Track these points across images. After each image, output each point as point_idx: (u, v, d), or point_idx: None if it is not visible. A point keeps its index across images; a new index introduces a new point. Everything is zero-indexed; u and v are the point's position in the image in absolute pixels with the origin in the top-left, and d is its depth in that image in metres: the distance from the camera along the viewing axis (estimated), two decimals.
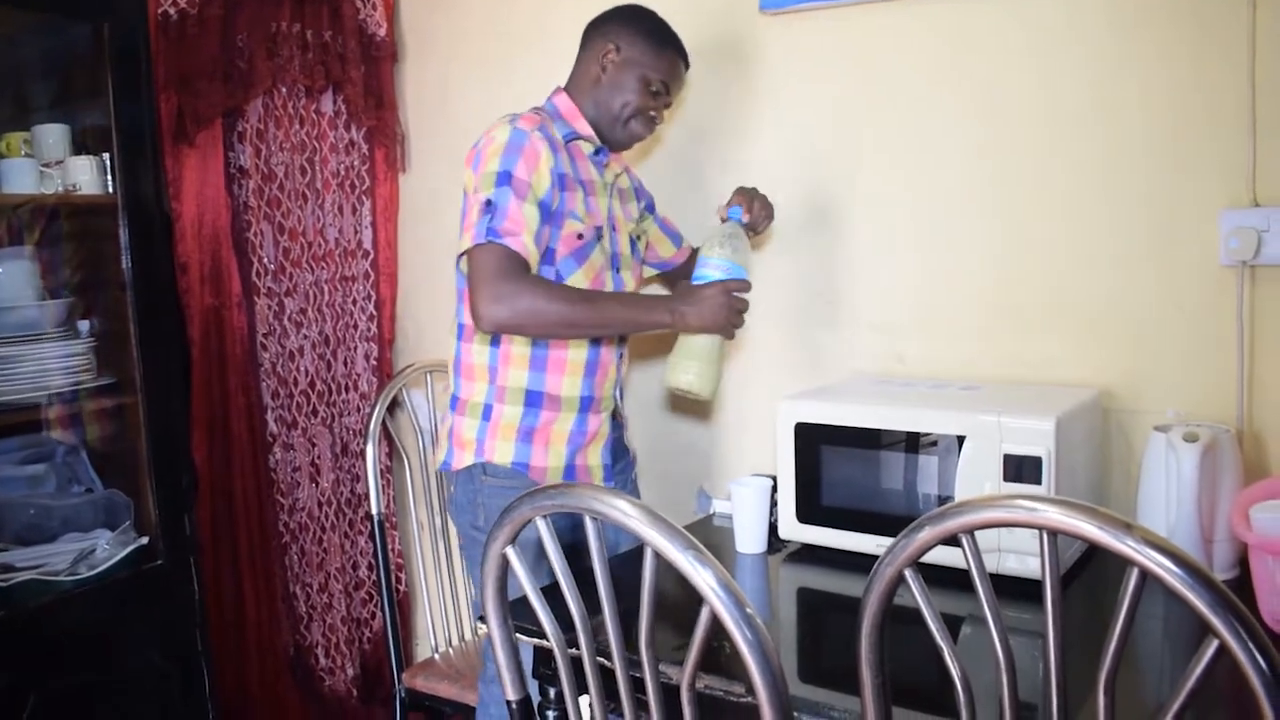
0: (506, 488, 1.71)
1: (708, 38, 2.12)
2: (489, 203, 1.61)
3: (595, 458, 1.81)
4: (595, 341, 1.77)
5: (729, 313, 1.67)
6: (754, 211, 1.80)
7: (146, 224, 2.05)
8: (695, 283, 1.70)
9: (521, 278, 1.59)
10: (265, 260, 2.40)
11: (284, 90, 2.39)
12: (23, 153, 2.03)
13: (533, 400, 1.74)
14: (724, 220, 1.79)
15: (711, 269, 1.70)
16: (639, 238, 1.92)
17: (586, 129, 1.77)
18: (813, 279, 2.05)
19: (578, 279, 1.72)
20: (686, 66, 1.83)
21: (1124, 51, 1.69)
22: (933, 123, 1.88)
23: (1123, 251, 1.72)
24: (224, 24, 2.25)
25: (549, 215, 1.66)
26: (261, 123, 2.37)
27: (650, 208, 2.00)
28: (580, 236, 1.72)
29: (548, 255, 1.70)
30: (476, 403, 1.76)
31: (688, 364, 1.70)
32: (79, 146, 2.10)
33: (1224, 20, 1.60)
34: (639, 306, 1.71)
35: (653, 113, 1.79)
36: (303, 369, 2.48)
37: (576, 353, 1.76)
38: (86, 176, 2.04)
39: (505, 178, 1.62)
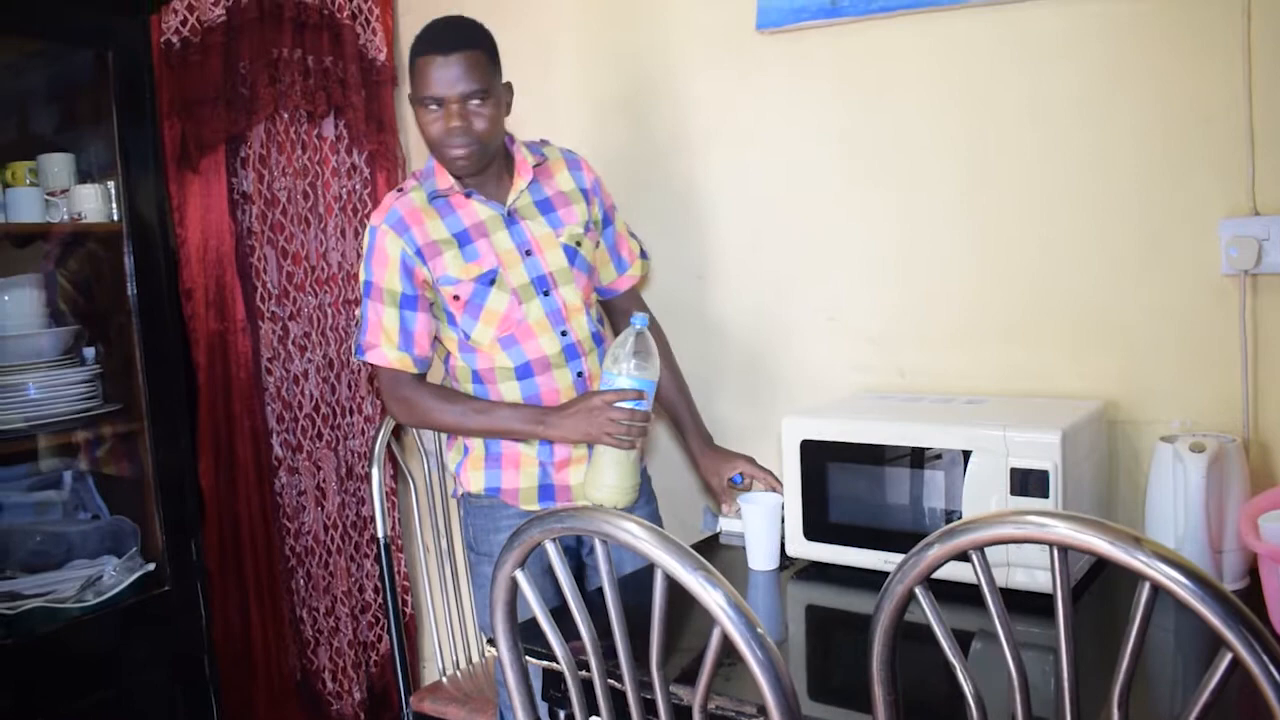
0: (484, 507, 1.84)
1: (704, 57, 2.13)
2: (359, 315, 1.78)
3: (577, 478, 1.81)
4: (540, 372, 1.77)
5: (605, 423, 1.64)
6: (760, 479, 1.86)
7: (151, 250, 2.06)
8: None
9: (397, 390, 1.78)
10: (269, 285, 2.41)
11: (286, 115, 2.40)
12: (28, 182, 2.05)
13: None
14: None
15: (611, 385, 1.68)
16: (580, 244, 1.81)
17: (447, 181, 1.74)
18: (812, 294, 2.05)
19: (482, 331, 1.75)
20: (445, 50, 1.65)
21: (1120, 61, 1.70)
22: (930, 136, 1.89)
23: (1124, 262, 1.73)
24: (226, 51, 2.27)
25: (415, 302, 1.74)
26: (264, 148, 2.39)
27: (606, 219, 1.89)
28: (457, 298, 1.73)
29: (450, 318, 1.77)
30: (457, 438, 1.86)
31: (599, 481, 1.70)
32: (84, 174, 2.11)
33: (1219, 30, 1.61)
34: (517, 417, 1.73)
35: (454, 124, 1.65)
36: (307, 393, 2.49)
37: (511, 391, 1.78)
38: (91, 204, 2.05)
39: (367, 287, 1.76)
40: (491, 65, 1.69)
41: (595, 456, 1.72)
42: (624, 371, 1.66)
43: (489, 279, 1.74)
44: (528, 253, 1.76)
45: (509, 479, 1.81)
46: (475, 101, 1.66)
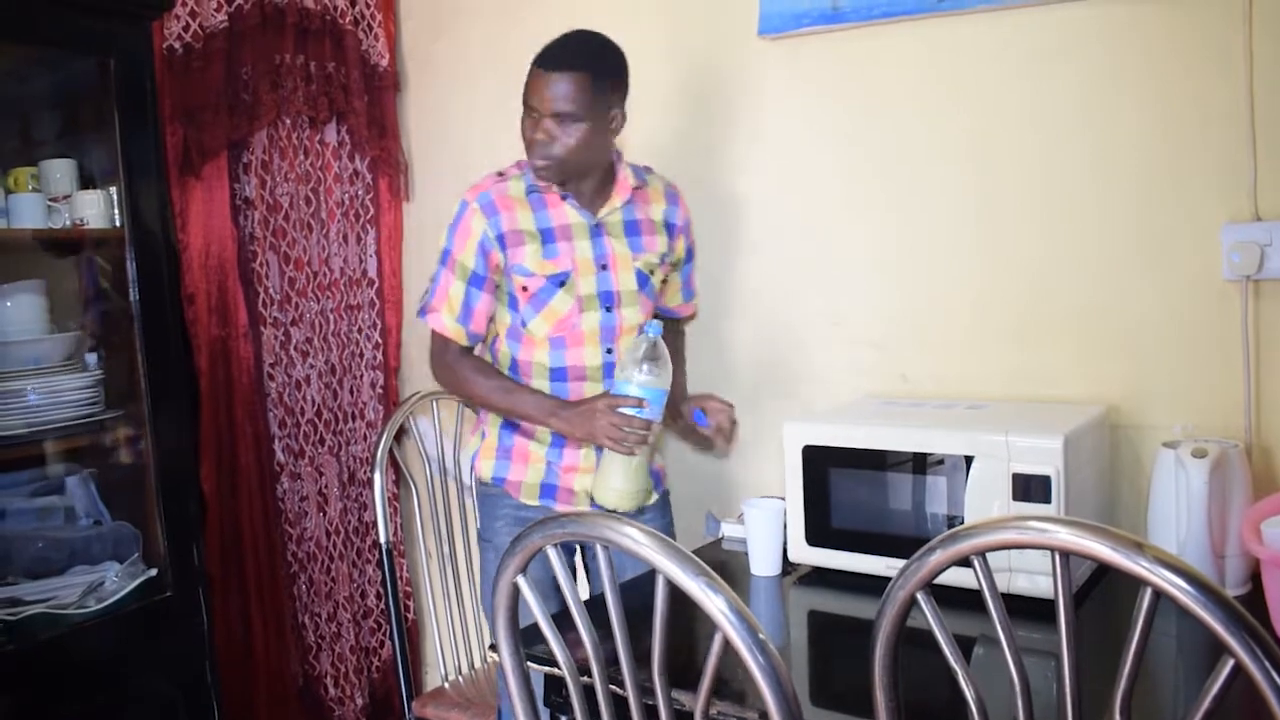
0: (490, 495, 1.91)
1: (706, 63, 2.14)
2: (432, 278, 1.86)
3: (582, 484, 1.85)
4: (574, 379, 1.82)
5: (606, 426, 1.67)
6: (719, 425, 1.83)
7: (153, 256, 2.06)
8: None
9: (443, 355, 1.87)
10: (271, 290, 2.42)
11: (288, 121, 2.41)
12: (30, 188, 2.04)
13: (508, 425, 1.89)
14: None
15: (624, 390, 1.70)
16: (653, 272, 1.86)
17: None
18: (814, 299, 2.05)
19: (539, 324, 1.80)
20: (550, 67, 1.71)
21: (1121, 66, 1.70)
22: (931, 141, 1.89)
23: (1126, 266, 1.73)
24: (228, 57, 2.27)
25: (483, 282, 1.81)
26: (266, 154, 2.39)
27: (688, 257, 1.96)
28: (525, 289, 1.79)
29: (512, 302, 1.82)
30: (479, 426, 1.95)
31: (606, 485, 1.74)
32: (86, 180, 2.11)
33: (1220, 35, 1.61)
34: (535, 403, 1.79)
35: (537, 136, 1.72)
36: (309, 398, 2.49)
37: (542, 389, 1.83)
38: (94, 210, 2.05)
39: (445, 255, 1.83)
40: (595, 91, 1.71)
41: (603, 460, 1.75)
42: (632, 378, 1.68)
43: (560, 280, 1.78)
44: (604, 266, 1.81)
45: (516, 471, 1.87)
46: (563, 123, 1.70)
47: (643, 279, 1.84)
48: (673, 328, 2.00)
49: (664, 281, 1.92)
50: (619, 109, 1.76)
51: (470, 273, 1.80)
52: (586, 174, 1.79)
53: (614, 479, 1.73)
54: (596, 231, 1.81)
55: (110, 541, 2.14)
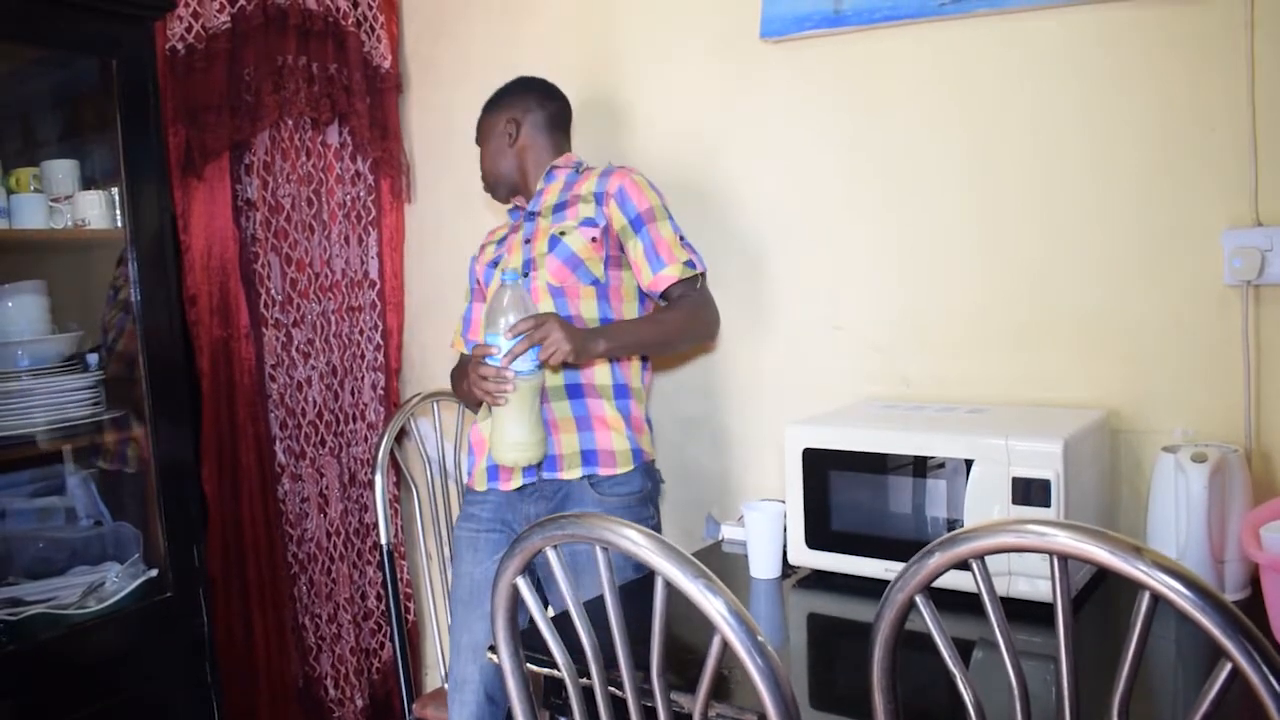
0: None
1: (708, 66, 2.14)
2: None
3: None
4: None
5: (475, 379, 1.72)
6: (535, 342, 1.69)
7: (155, 257, 2.06)
8: None
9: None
10: (273, 291, 2.42)
11: (290, 123, 2.41)
12: (32, 188, 2.04)
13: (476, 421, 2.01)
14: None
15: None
16: (564, 234, 1.87)
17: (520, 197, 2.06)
18: (815, 302, 2.05)
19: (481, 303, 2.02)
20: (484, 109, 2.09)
21: (1122, 71, 1.70)
22: (933, 144, 1.89)
23: (1127, 271, 1.73)
24: (231, 58, 2.28)
25: (473, 293, 2.09)
26: (268, 155, 2.39)
27: (635, 224, 1.88)
28: (479, 283, 2.06)
29: None
30: None
31: (501, 441, 1.73)
32: (88, 181, 2.11)
33: (1222, 40, 1.61)
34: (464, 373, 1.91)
35: None
36: (311, 399, 2.49)
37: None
38: (95, 211, 2.06)
39: None
40: (487, 122, 2.06)
41: (494, 419, 1.76)
42: (494, 327, 1.71)
43: (494, 262, 1.99)
44: (527, 241, 1.94)
45: (475, 463, 1.96)
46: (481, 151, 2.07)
47: (554, 241, 1.89)
48: (671, 305, 1.91)
49: (591, 243, 1.87)
50: (511, 124, 2.02)
51: (469, 290, 2.09)
52: (511, 182, 2.03)
53: (505, 433, 1.72)
54: (530, 217, 1.97)
55: (111, 542, 2.14)
